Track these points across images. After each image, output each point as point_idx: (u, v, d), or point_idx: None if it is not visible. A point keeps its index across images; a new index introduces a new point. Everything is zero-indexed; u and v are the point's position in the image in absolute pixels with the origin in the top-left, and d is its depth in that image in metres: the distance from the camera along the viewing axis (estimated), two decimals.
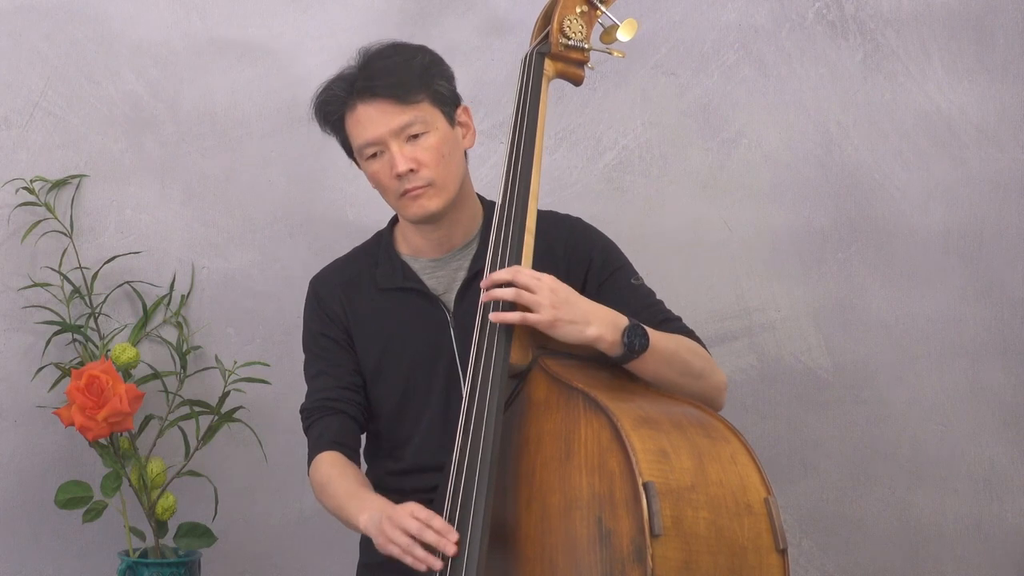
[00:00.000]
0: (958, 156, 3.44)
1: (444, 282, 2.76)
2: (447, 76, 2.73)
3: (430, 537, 2.39)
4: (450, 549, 2.38)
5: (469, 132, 2.76)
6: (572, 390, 2.40)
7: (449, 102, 2.72)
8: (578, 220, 2.81)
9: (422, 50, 2.73)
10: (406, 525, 2.41)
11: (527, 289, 2.48)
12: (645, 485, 2.26)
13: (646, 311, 2.68)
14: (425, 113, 2.67)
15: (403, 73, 2.67)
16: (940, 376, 3.44)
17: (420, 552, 2.40)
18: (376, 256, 2.82)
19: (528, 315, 2.48)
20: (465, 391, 2.49)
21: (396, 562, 2.70)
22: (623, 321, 2.50)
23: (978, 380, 3.45)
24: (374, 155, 2.69)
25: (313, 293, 2.84)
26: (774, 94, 3.39)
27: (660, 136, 3.37)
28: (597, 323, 2.49)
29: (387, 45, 2.73)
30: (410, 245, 2.79)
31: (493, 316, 2.49)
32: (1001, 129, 3.45)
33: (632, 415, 2.34)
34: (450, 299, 2.75)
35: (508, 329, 2.49)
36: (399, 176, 2.66)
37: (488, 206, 2.80)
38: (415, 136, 2.66)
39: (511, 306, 2.50)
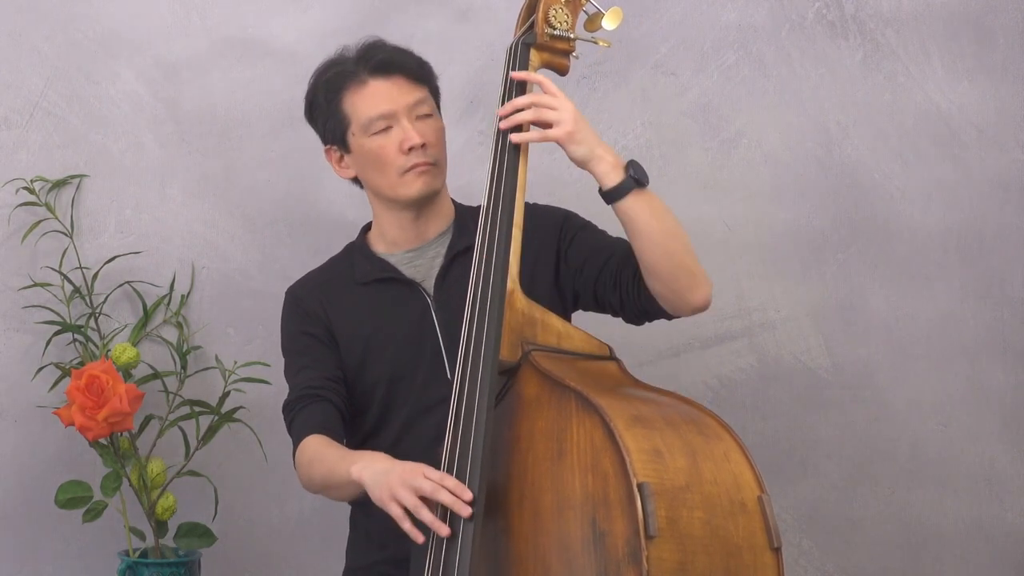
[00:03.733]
0: (958, 156, 3.44)
1: (422, 270, 2.79)
2: (436, 77, 2.82)
3: (444, 497, 2.36)
4: (465, 511, 2.35)
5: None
6: (564, 388, 2.39)
7: (439, 100, 2.81)
8: (534, 204, 2.80)
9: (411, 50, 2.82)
10: (419, 485, 2.38)
11: (547, 106, 2.53)
12: (640, 486, 2.25)
13: (616, 243, 2.72)
14: (431, 97, 2.77)
15: (417, 57, 2.77)
16: (940, 376, 3.44)
17: (427, 515, 2.37)
18: (352, 258, 2.86)
19: (548, 132, 2.53)
20: (455, 388, 2.48)
21: (383, 565, 2.72)
22: (623, 159, 2.55)
23: (978, 380, 3.45)
24: (382, 130, 2.72)
25: (291, 297, 2.87)
26: (774, 94, 3.40)
27: (660, 136, 3.37)
28: (604, 147, 2.54)
29: (376, 41, 2.80)
30: (386, 241, 2.82)
31: (514, 137, 2.55)
32: (1001, 129, 3.45)
33: (625, 414, 2.33)
34: (429, 285, 2.78)
35: (498, 324, 2.48)
36: (410, 150, 2.70)
37: (458, 207, 2.84)
38: (424, 116, 2.73)
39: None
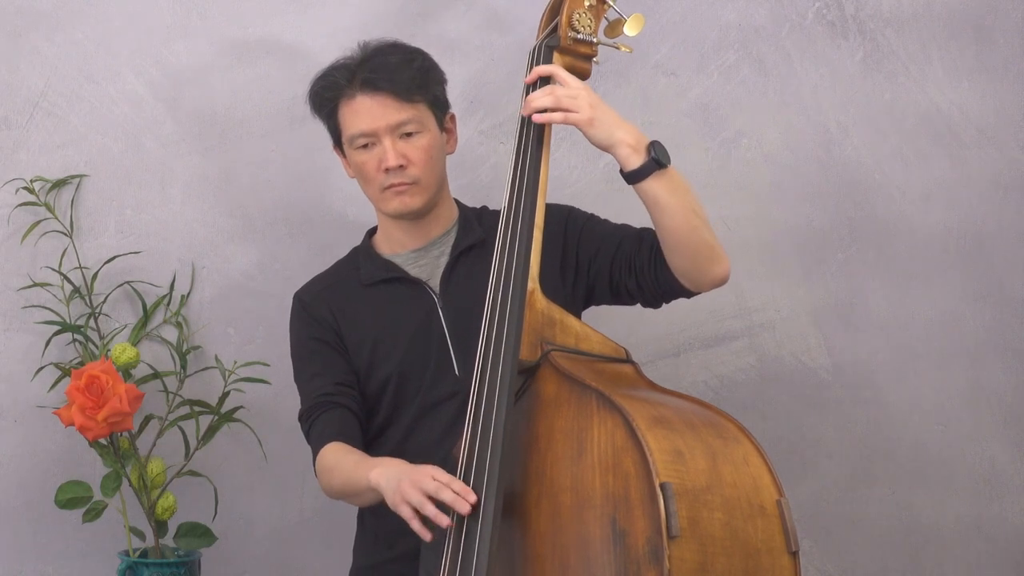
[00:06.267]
0: (958, 156, 3.44)
1: (427, 269, 2.81)
2: (442, 81, 2.81)
3: (447, 496, 2.38)
4: (464, 508, 2.37)
5: (452, 138, 2.84)
6: (585, 388, 2.39)
7: (442, 107, 2.79)
8: None
9: (421, 53, 2.81)
10: (425, 485, 2.41)
11: (566, 96, 2.56)
12: (662, 486, 2.26)
13: (624, 228, 2.76)
14: (421, 114, 2.75)
15: (406, 71, 2.74)
16: (940, 376, 3.44)
17: (431, 509, 2.39)
18: (357, 261, 2.87)
19: (570, 113, 2.55)
20: (473, 387, 2.49)
21: (392, 564, 2.73)
22: (647, 139, 2.57)
23: (978, 380, 3.45)
24: (364, 146, 2.74)
25: (298, 302, 2.88)
26: (774, 94, 3.40)
27: (660, 136, 3.32)
28: (626, 129, 2.57)
29: (388, 43, 2.80)
30: (390, 243, 2.85)
31: (538, 117, 2.57)
32: (1001, 129, 3.45)
33: (646, 415, 2.34)
34: (435, 283, 2.79)
35: (518, 324, 2.48)
36: (387, 170, 2.72)
37: (461, 207, 2.86)
38: (408, 134, 2.73)
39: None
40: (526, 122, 2.63)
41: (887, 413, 3.43)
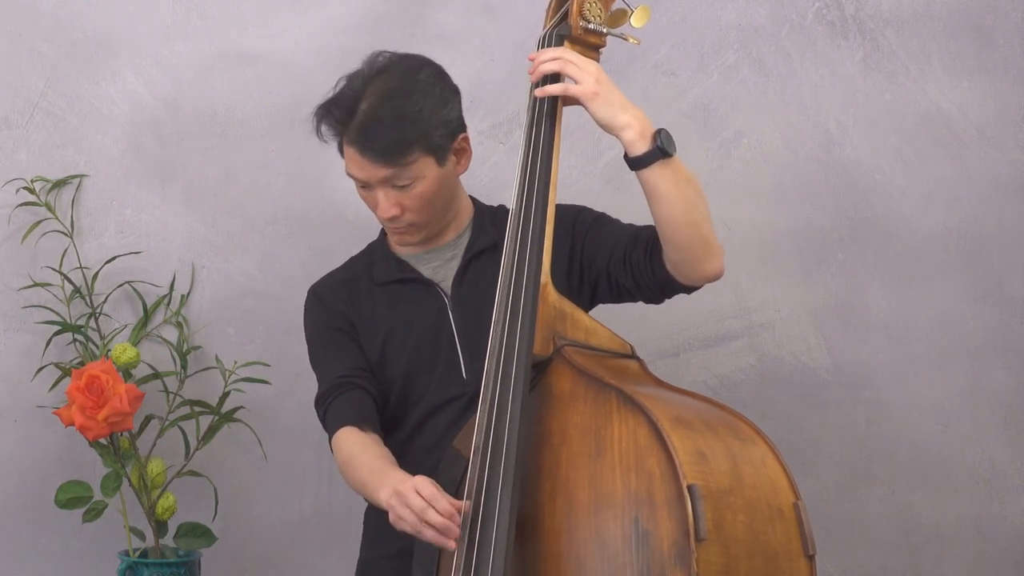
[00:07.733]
0: (958, 156, 3.44)
1: (441, 271, 2.80)
2: (445, 120, 2.70)
3: (434, 519, 2.38)
4: (450, 546, 2.38)
5: (465, 156, 2.77)
6: (603, 385, 2.38)
7: (447, 141, 2.70)
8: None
9: (419, 97, 2.68)
10: (411, 502, 2.41)
11: (572, 63, 2.54)
12: (689, 487, 2.25)
13: (632, 227, 2.73)
14: (414, 168, 2.68)
15: (394, 133, 2.65)
16: (940, 376, 3.44)
17: (430, 533, 2.40)
18: (371, 258, 2.86)
19: (571, 86, 2.52)
20: (485, 381, 2.48)
21: (393, 559, 2.73)
22: (653, 126, 2.52)
23: (978, 380, 3.45)
24: (363, 187, 2.72)
25: (313, 296, 2.86)
26: (774, 94, 3.40)
27: None
28: (632, 113, 2.52)
29: (382, 92, 2.67)
30: None
31: (538, 91, 2.55)
32: (1001, 129, 3.45)
33: (668, 415, 2.33)
34: (447, 285, 2.78)
35: (532, 317, 2.47)
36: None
37: (478, 207, 2.84)
38: (401, 187, 2.69)
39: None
40: (537, 109, 2.60)
41: (887, 413, 3.43)
